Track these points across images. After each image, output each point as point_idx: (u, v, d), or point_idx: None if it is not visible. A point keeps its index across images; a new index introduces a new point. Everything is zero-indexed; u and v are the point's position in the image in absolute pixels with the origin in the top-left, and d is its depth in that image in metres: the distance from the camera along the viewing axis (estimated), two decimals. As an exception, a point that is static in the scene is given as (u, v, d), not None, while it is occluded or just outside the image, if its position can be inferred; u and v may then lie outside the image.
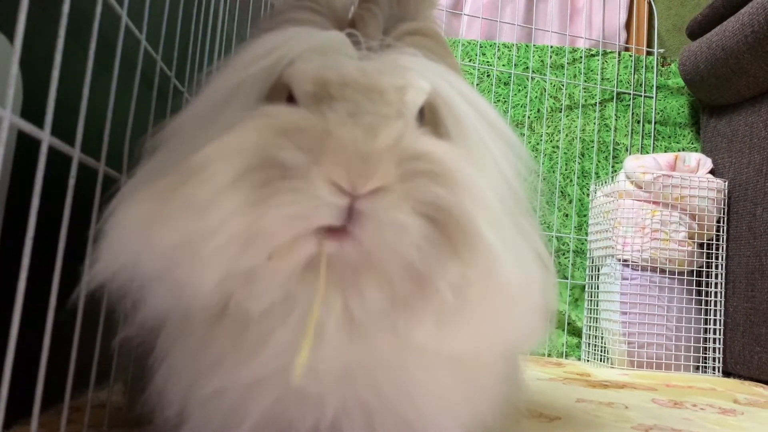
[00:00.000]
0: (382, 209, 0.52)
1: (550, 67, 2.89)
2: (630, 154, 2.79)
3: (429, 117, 0.63)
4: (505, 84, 2.87)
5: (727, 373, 2.30)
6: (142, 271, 0.55)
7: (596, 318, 2.48)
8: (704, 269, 2.37)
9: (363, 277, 0.55)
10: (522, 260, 0.58)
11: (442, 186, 0.54)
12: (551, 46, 2.91)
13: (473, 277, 0.54)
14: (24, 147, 0.68)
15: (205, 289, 0.54)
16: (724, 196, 2.37)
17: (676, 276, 2.33)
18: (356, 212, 0.52)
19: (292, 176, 0.53)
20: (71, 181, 0.65)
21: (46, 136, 0.58)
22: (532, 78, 2.87)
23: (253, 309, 0.56)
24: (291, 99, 0.61)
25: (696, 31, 2.62)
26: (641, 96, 2.88)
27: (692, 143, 2.84)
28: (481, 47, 2.89)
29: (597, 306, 2.50)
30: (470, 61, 2.86)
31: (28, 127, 0.56)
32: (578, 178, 2.79)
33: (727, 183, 2.38)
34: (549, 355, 2.55)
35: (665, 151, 2.79)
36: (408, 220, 0.53)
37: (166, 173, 0.56)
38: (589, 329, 2.54)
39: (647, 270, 2.33)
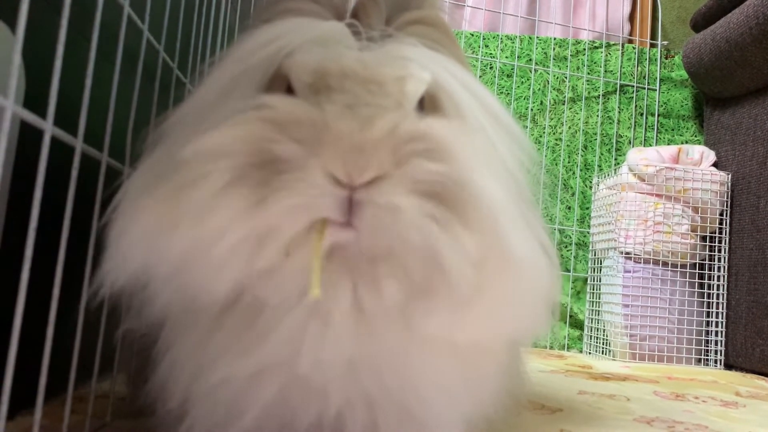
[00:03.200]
0: (378, 195, 0.52)
1: (554, 59, 2.88)
2: (633, 146, 2.78)
3: (430, 107, 0.63)
4: (508, 76, 2.86)
5: (728, 366, 2.30)
6: (153, 277, 0.55)
7: (598, 310, 2.48)
8: (707, 262, 2.37)
9: (380, 269, 0.55)
10: (528, 240, 0.59)
11: (440, 161, 0.54)
12: (554, 38, 2.90)
13: (488, 245, 0.54)
14: (27, 137, 0.68)
15: (221, 292, 0.55)
16: (727, 188, 2.36)
17: (679, 269, 2.33)
18: (356, 203, 0.52)
19: (290, 169, 0.53)
20: (74, 172, 0.65)
21: (48, 127, 0.58)
22: (535, 70, 2.86)
23: (271, 301, 0.56)
24: (290, 90, 0.61)
25: (700, 23, 2.61)
26: (644, 88, 2.87)
27: (695, 136, 2.83)
28: (484, 39, 2.88)
29: (599, 298, 2.49)
30: (473, 52, 2.85)
31: (31, 117, 0.55)
32: (581, 170, 2.79)
33: (730, 176, 2.37)
34: (551, 348, 2.55)
35: (668, 144, 2.78)
36: (404, 202, 0.52)
37: (168, 171, 0.56)
38: (591, 322, 2.54)
39: (649, 263, 2.33)
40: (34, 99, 0.69)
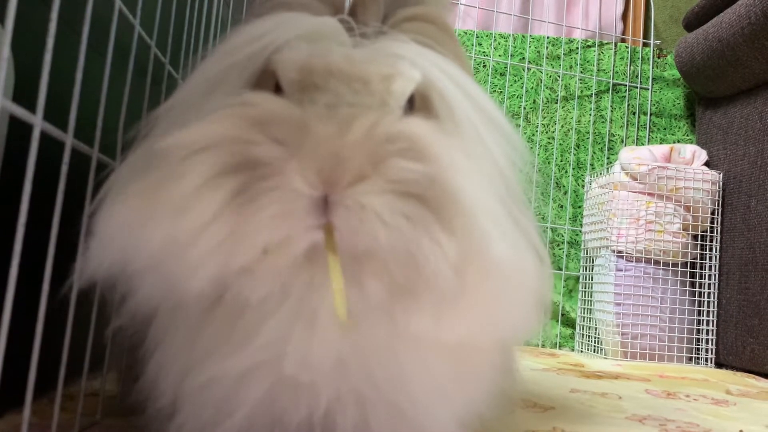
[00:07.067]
0: (350, 198, 0.51)
1: (547, 57, 2.88)
2: (625, 145, 2.79)
3: (421, 106, 0.62)
4: (501, 74, 2.86)
5: (719, 365, 2.31)
6: (131, 268, 0.55)
7: (590, 309, 2.49)
8: (698, 261, 2.38)
9: (362, 267, 0.54)
10: (514, 243, 0.57)
11: (419, 160, 0.53)
12: (548, 37, 2.90)
13: (468, 250, 0.53)
14: (16, 132, 0.67)
15: (197, 288, 0.54)
16: (719, 188, 2.37)
17: (670, 267, 2.34)
18: (331, 204, 0.52)
19: (269, 174, 0.52)
20: (64, 167, 0.64)
21: (38, 121, 0.57)
22: (529, 69, 2.86)
23: (252, 299, 0.55)
24: (278, 87, 0.60)
25: (693, 22, 2.62)
26: (637, 87, 2.88)
27: (687, 135, 2.84)
28: (477, 37, 2.88)
29: (591, 297, 2.50)
30: (466, 51, 2.84)
31: (20, 112, 0.55)
32: (573, 169, 2.79)
33: (721, 175, 2.38)
34: (543, 346, 2.55)
35: (660, 143, 2.79)
36: (376, 205, 0.51)
37: (150, 165, 0.55)
38: (583, 320, 2.54)
39: (641, 261, 2.33)
40: (25, 94, 0.68)
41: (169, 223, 0.51)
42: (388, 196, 0.52)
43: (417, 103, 0.62)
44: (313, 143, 0.51)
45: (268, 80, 0.62)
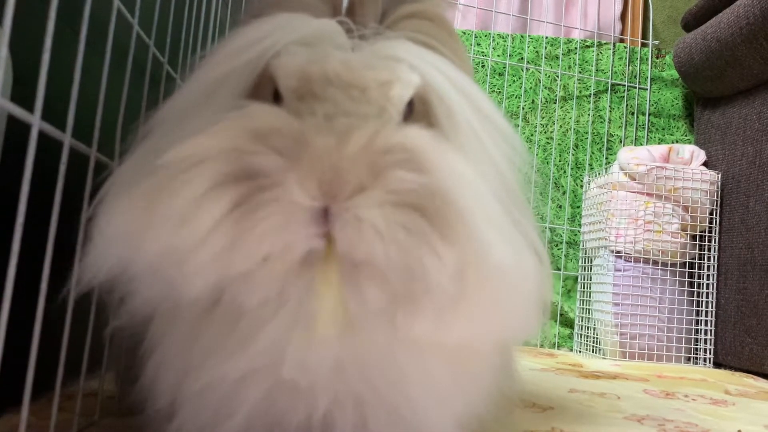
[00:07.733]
0: (348, 210, 0.52)
1: (545, 57, 2.88)
2: (624, 145, 2.79)
3: (420, 109, 0.62)
4: (500, 74, 2.86)
5: (717, 365, 2.31)
6: (130, 273, 0.55)
7: (589, 309, 2.49)
8: (697, 261, 2.38)
9: (361, 274, 0.54)
10: (514, 246, 0.57)
11: (417, 171, 0.53)
12: (546, 37, 2.90)
13: (467, 257, 0.53)
14: (14, 132, 0.67)
15: (195, 294, 0.54)
16: (717, 188, 2.37)
17: (669, 267, 2.34)
18: (331, 215, 0.52)
19: (269, 185, 0.52)
20: (62, 167, 0.64)
21: (36, 121, 0.57)
22: (527, 69, 2.86)
23: (248, 304, 0.55)
24: (277, 91, 0.60)
25: (691, 22, 2.62)
26: (636, 87, 2.88)
27: (686, 135, 2.85)
28: (476, 37, 2.88)
29: (589, 297, 2.50)
30: (465, 51, 2.84)
31: (18, 111, 0.55)
32: (572, 169, 2.79)
33: (720, 175, 2.38)
34: (542, 346, 2.55)
35: (659, 143, 2.79)
36: (375, 217, 0.51)
37: (149, 172, 0.55)
38: (582, 320, 2.54)
39: (640, 261, 2.33)
40: (23, 94, 0.68)
41: (169, 232, 0.51)
42: (387, 207, 0.52)
43: (416, 107, 0.62)
44: (312, 156, 0.51)
45: (266, 85, 0.61)
